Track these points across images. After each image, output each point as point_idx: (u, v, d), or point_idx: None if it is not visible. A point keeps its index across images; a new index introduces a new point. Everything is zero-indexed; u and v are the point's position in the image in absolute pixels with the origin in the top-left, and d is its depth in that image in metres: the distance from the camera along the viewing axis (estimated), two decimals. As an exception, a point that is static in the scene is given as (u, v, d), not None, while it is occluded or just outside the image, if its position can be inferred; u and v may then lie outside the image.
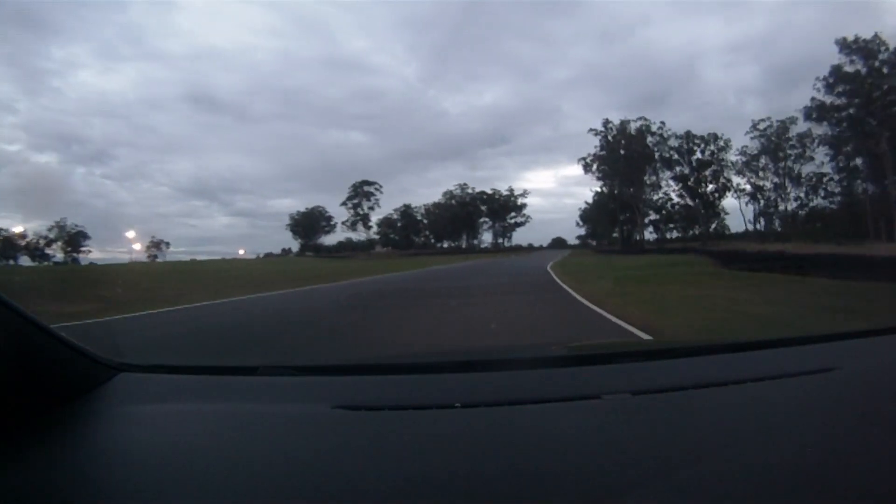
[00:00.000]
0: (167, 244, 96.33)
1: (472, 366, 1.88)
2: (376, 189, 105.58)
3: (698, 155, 77.13)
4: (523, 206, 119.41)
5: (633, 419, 1.27)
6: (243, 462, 1.13)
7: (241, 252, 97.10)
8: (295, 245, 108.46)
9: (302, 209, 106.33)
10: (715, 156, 76.75)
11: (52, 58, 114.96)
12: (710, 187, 78.59)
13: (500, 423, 1.29)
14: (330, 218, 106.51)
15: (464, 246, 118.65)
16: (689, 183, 78.35)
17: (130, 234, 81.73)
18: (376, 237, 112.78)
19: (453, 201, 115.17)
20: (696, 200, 79.91)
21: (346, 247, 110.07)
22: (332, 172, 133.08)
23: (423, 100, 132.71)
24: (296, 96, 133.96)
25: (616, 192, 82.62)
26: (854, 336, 1.86)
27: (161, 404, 1.50)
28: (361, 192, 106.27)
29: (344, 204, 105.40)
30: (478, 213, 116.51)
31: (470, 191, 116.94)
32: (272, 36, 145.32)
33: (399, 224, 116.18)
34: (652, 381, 1.49)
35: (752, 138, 71.71)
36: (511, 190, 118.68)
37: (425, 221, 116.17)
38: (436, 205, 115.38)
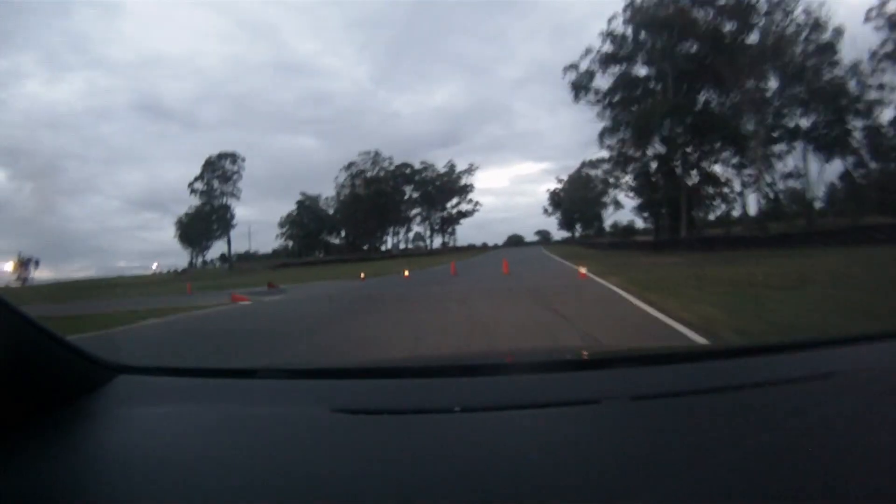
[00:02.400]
0: (36, 263, 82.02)
1: (471, 370, 1.86)
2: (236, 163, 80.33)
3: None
4: (469, 188, 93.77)
5: (632, 424, 1.27)
6: (242, 465, 1.14)
7: (154, 266, 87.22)
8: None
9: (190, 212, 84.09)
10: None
11: None
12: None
13: (499, 427, 1.28)
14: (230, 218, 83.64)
15: (387, 246, 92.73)
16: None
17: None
18: (281, 240, 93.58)
19: (360, 183, 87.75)
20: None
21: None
22: (283, 179, 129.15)
23: (375, 101, 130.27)
24: (245, 102, 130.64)
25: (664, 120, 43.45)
26: (853, 342, 1.83)
27: (160, 406, 1.51)
28: (216, 170, 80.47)
29: (194, 191, 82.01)
30: (399, 200, 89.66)
31: (386, 164, 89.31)
32: (221, 41, 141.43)
33: (303, 222, 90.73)
34: (652, 387, 1.48)
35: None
36: (452, 167, 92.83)
37: (338, 216, 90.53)
38: (342, 190, 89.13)
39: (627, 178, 53.57)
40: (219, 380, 1.86)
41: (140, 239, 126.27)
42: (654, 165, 48.88)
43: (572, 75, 48.17)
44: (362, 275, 31.07)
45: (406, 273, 30.17)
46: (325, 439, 1.26)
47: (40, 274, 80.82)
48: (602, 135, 48.43)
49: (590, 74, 47.67)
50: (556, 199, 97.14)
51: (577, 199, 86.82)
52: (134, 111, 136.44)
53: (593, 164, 74.46)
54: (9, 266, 77.72)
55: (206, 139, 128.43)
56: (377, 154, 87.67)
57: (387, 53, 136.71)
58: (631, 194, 56.60)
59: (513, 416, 1.34)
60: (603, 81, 47.71)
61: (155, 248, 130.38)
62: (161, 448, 1.25)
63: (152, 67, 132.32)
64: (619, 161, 50.90)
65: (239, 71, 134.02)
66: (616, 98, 47.42)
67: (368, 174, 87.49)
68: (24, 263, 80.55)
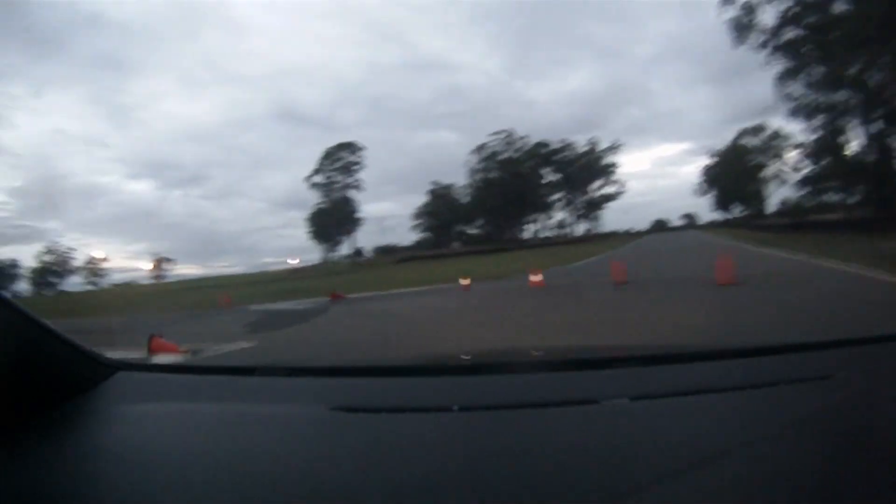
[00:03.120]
0: (171, 262, 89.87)
1: (470, 369, 1.89)
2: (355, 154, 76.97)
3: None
4: (613, 168, 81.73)
5: (631, 425, 1.27)
6: (240, 463, 1.14)
7: (294, 261, 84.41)
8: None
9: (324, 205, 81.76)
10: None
11: (134, 93, 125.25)
12: None
13: (497, 426, 1.29)
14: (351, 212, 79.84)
15: (528, 235, 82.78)
16: None
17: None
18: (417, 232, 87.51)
19: (494, 165, 78.43)
20: None
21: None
22: (424, 174, 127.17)
23: (509, 91, 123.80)
24: (381, 102, 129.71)
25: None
26: (852, 343, 1.82)
27: (159, 404, 1.51)
28: (335, 162, 77.36)
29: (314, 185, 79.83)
30: (537, 183, 79.50)
31: (520, 145, 78.86)
32: (351, 47, 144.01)
33: (436, 212, 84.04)
34: (651, 387, 1.48)
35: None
36: (593, 145, 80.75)
37: (473, 204, 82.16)
38: (474, 175, 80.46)
39: (804, 139, 42.83)
40: (218, 377, 1.88)
41: (284, 236, 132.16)
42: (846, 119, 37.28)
43: (730, 11, 37.35)
44: (464, 281, 21.81)
45: (537, 278, 18.82)
46: (324, 437, 1.27)
47: (189, 270, 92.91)
48: (781, 79, 37.84)
49: (749, 8, 37.07)
50: (711, 176, 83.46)
51: (733, 175, 73.64)
52: (273, 119, 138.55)
53: (753, 131, 67.55)
54: (149, 265, 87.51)
55: (346, 140, 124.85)
56: (510, 133, 78.67)
57: (517, 43, 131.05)
58: (805, 164, 45.18)
59: (511, 415, 1.34)
60: (768, 16, 36.86)
61: (300, 244, 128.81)
62: (160, 445, 1.25)
63: (286, 77, 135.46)
64: (807, 112, 38.97)
65: (372, 73, 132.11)
66: (792, 31, 36.34)
67: (502, 156, 78.86)
68: (160, 263, 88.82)
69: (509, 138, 78.49)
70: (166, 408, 1.50)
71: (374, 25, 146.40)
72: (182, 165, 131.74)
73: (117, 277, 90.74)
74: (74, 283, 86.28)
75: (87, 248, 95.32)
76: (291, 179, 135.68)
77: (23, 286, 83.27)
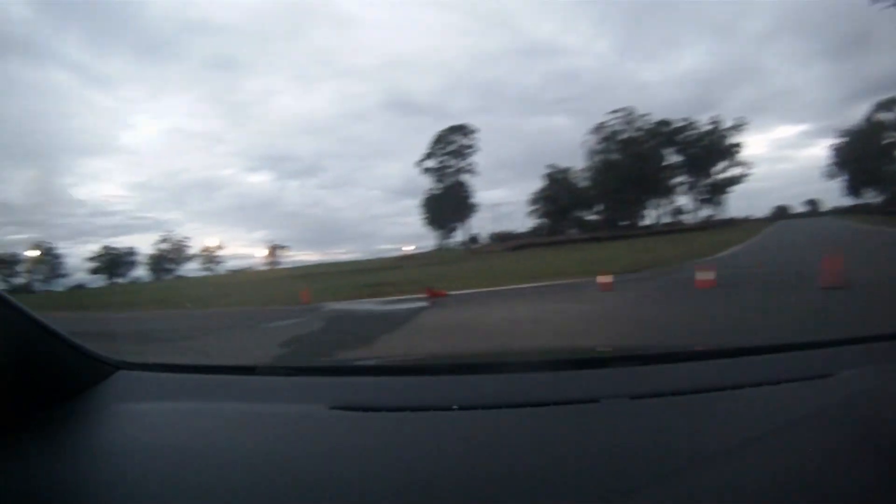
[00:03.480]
0: (284, 249, 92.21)
1: (470, 368, 1.90)
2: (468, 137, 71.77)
3: None
4: (737, 148, 71.20)
5: (631, 423, 1.27)
6: (240, 462, 1.15)
7: (409, 248, 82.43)
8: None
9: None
10: None
11: (248, 90, 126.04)
12: None
13: (497, 425, 1.30)
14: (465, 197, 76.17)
15: (648, 221, 75.97)
16: None
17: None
18: (534, 219, 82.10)
19: (614, 146, 71.98)
20: None
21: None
22: (537, 160, 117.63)
23: (620, 73, 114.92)
24: (492, 88, 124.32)
25: None
26: (850, 343, 1.83)
27: (159, 403, 1.53)
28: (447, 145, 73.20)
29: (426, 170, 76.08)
30: (658, 164, 71.76)
31: (641, 123, 71.05)
32: (459, 34, 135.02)
33: (553, 197, 78.49)
34: (650, 386, 1.48)
35: None
36: (716, 124, 70.68)
37: (591, 188, 76.15)
38: (593, 157, 73.63)
39: None
40: (218, 376, 1.88)
41: (399, 224, 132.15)
42: None
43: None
44: (604, 279, 14.92)
45: (707, 275, 13.02)
46: (324, 436, 1.28)
47: (306, 256, 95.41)
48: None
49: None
50: (841, 157, 71.93)
51: (867, 156, 63.31)
52: (385, 109, 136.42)
53: (889, 104, 59.99)
54: (264, 252, 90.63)
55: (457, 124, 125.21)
56: (630, 111, 71.09)
57: (625, 23, 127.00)
58: None
59: (511, 414, 1.35)
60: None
61: (414, 231, 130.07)
62: (161, 444, 1.25)
63: (396, 68, 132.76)
64: None
65: (480, 60, 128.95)
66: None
67: (623, 136, 72.30)
68: (275, 250, 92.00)
69: (629, 117, 71.32)
70: (167, 407, 1.50)
71: (481, 12, 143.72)
72: (298, 157, 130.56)
73: (233, 264, 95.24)
74: (190, 269, 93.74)
75: (206, 236, 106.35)
76: (405, 168, 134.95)
77: (140, 272, 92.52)
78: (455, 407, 1.38)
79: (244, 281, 51.60)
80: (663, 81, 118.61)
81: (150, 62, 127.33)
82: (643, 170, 69.85)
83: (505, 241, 77.74)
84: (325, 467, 1.11)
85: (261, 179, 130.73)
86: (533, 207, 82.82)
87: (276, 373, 1.84)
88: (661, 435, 1.19)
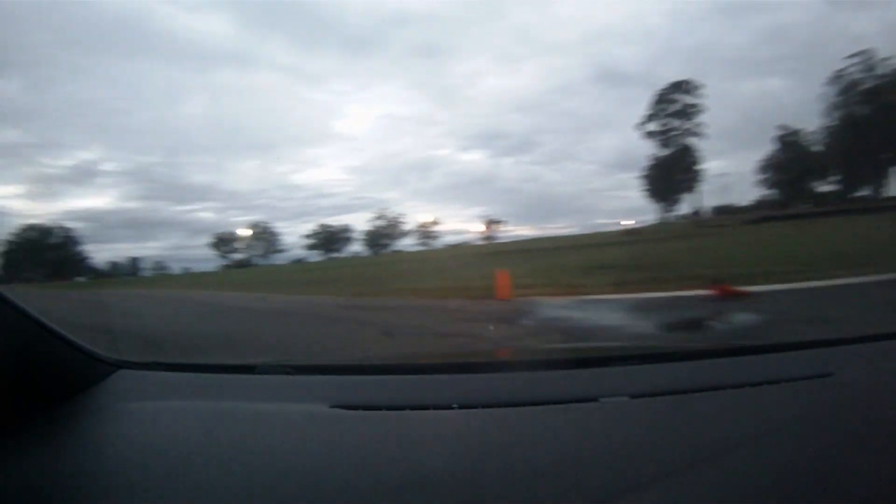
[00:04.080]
0: (499, 224, 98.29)
1: (470, 367, 1.91)
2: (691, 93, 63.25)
3: None
4: None
5: (630, 422, 1.28)
6: (241, 460, 1.15)
7: (628, 223, 78.35)
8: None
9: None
10: None
11: (455, 74, 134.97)
12: None
13: (497, 424, 1.30)
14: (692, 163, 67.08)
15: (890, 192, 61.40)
16: None
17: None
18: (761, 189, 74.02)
19: (856, 98, 59.10)
20: None
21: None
22: (753, 125, 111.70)
23: (832, 26, 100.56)
24: (699, 52, 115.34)
25: None
26: (851, 342, 1.85)
27: (159, 401, 1.53)
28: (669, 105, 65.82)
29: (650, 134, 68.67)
30: None
31: (884, 70, 57.52)
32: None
33: (785, 165, 68.24)
34: (650, 385, 1.49)
35: None
36: None
37: (827, 153, 63.81)
38: (831, 114, 61.82)
39: None
40: (218, 375, 1.89)
41: (616, 197, 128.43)
42: None
43: None
44: None
45: None
46: (325, 435, 1.28)
47: (524, 231, 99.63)
48: None
49: None
50: None
51: None
52: (593, 82, 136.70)
53: None
54: (481, 228, 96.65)
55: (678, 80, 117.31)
56: (870, 55, 58.78)
57: None
58: None
59: (511, 413, 1.35)
60: None
61: (631, 204, 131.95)
62: (161, 443, 1.26)
63: (600, 39, 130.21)
64: None
65: (685, 23, 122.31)
66: None
67: (865, 85, 59.81)
68: (491, 225, 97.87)
69: (870, 61, 59.23)
70: (167, 406, 1.50)
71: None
72: (510, 134, 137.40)
73: (449, 239, 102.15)
74: (406, 245, 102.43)
75: (424, 213, 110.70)
76: (620, 141, 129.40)
77: (356, 247, 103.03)
78: (455, 406, 1.38)
79: (446, 258, 49.83)
80: (880, 31, 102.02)
81: (355, 56, 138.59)
82: (891, 126, 56.86)
83: (730, 215, 68.88)
84: (326, 466, 1.11)
85: (475, 157, 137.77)
86: (761, 176, 73.01)
87: (276, 371, 1.83)
88: (660, 434, 1.20)
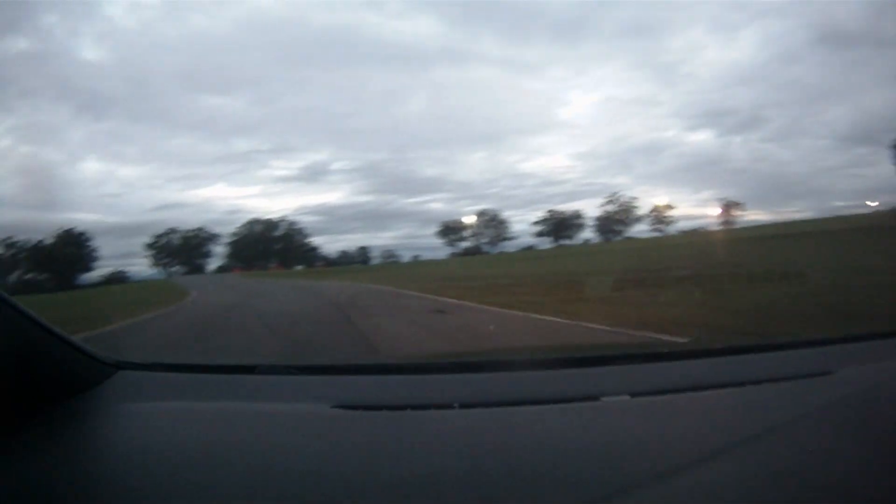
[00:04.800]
0: (738, 207, 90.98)
1: (470, 367, 1.90)
2: None
3: None
4: None
5: (631, 421, 1.28)
6: (242, 461, 1.15)
7: (874, 204, 70.71)
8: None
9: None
10: None
11: (672, 50, 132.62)
12: None
13: (498, 424, 1.30)
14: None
15: None
16: None
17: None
18: None
19: None
20: None
21: None
22: None
23: None
24: None
25: None
26: (851, 340, 1.85)
27: (160, 402, 1.53)
28: None
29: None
30: None
31: None
32: None
33: None
34: (651, 384, 1.49)
35: None
36: None
37: None
38: None
39: None
40: (219, 376, 1.88)
41: (853, 176, 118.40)
42: None
43: None
44: None
45: None
46: (326, 435, 1.28)
47: (757, 216, 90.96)
48: None
49: None
50: None
51: None
52: (815, 45, 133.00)
53: None
54: (717, 211, 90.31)
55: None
56: None
57: None
58: None
59: (512, 412, 1.35)
60: None
61: (874, 184, 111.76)
62: (161, 444, 1.25)
63: None
64: None
65: None
66: None
67: None
68: (729, 208, 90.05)
69: None
70: (167, 406, 1.50)
71: None
72: (736, 110, 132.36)
73: (684, 225, 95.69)
74: (639, 231, 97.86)
75: (653, 198, 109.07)
76: (851, 110, 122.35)
77: (587, 234, 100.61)
78: (456, 405, 1.39)
79: (689, 246, 43.15)
80: None
81: (567, 42, 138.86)
82: None
83: None
84: (327, 466, 1.11)
85: (702, 137, 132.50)
86: None
87: (277, 372, 1.83)
88: (661, 433, 1.19)
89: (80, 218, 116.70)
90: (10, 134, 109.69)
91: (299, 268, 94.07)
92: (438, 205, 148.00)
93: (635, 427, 1.24)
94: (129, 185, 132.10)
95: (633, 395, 1.41)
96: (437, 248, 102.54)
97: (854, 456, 1.04)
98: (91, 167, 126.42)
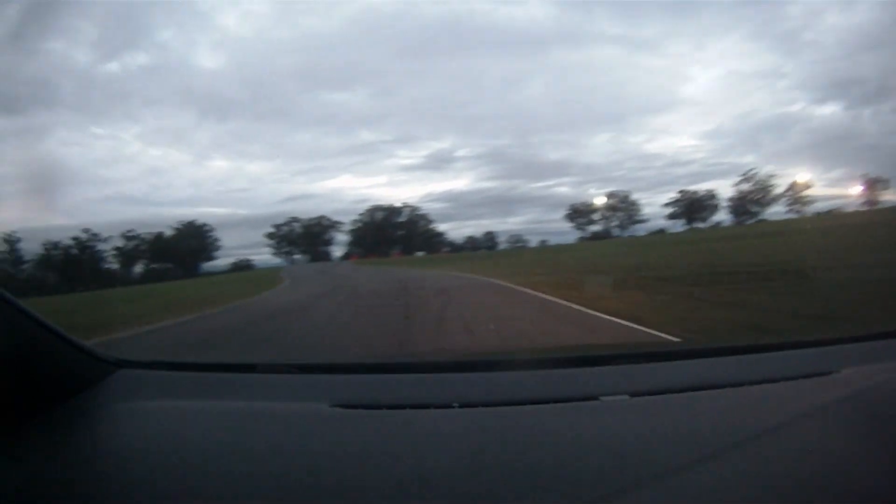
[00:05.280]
0: (883, 182, 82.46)
1: (470, 366, 1.91)
2: None
3: None
4: None
5: (631, 421, 1.28)
6: (242, 459, 1.15)
7: None
8: None
9: None
10: None
11: (792, 17, 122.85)
12: None
13: (498, 423, 1.31)
14: None
15: None
16: None
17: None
18: None
19: None
20: None
21: None
22: None
23: None
24: None
25: None
26: (850, 341, 1.85)
27: (160, 401, 1.53)
28: None
29: None
30: None
31: None
32: None
33: None
34: (650, 384, 1.49)
35: None
36: None
37: None
38: None
39: None
40: (219, 374, 1.88)
41: None
42: None
43: None
44: None
45: None
46: (325, 434, 1.28)
47: (891, 196, 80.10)
48: None
49: None
50: None
51: None
52: None
53: None
54: (857, 190, 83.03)
55: None
56: None
57: None
58: None
59: (511, 412, 1.36)
60: None
61: None
62: (161, 443, 1.26)
63: None
64: None
65: None
66: None
67: None
68: (871, 186, 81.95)
69: None
70: (168, 405, 1.50)
71: None
72: (864, 79, 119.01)
73: (820, 206, 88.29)
74: (774, 213, 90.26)
75: (794, 175, 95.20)
76: None
77: (721, 216, 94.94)
78: (455, 405, 1.39)
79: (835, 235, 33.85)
80: None
81: (683, 15, 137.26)
82: None
83: None
84: (327, 465, 1.11)
85: (830, 111, 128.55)
86: None
87: (277, 370, 1.84)
88: (661, 433, 1.19)
89: (211, 212, 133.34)
90: (137, 140, 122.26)
91: (420, 254, 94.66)
92: (564, 188, 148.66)
93: (635, 427, 1.23)
94: (256, 179, 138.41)
95: (632, 395, 1.41)
96: (564, 233, 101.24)
97: (855, 456, 1.04)
98: (219, 165, 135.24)
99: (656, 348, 2.15)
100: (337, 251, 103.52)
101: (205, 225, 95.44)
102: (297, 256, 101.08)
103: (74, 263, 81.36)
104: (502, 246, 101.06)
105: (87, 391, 1.50)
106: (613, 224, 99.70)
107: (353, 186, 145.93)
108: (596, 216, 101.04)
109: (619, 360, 1.79)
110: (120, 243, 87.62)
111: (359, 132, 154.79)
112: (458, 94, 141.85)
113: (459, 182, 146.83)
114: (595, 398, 1.39)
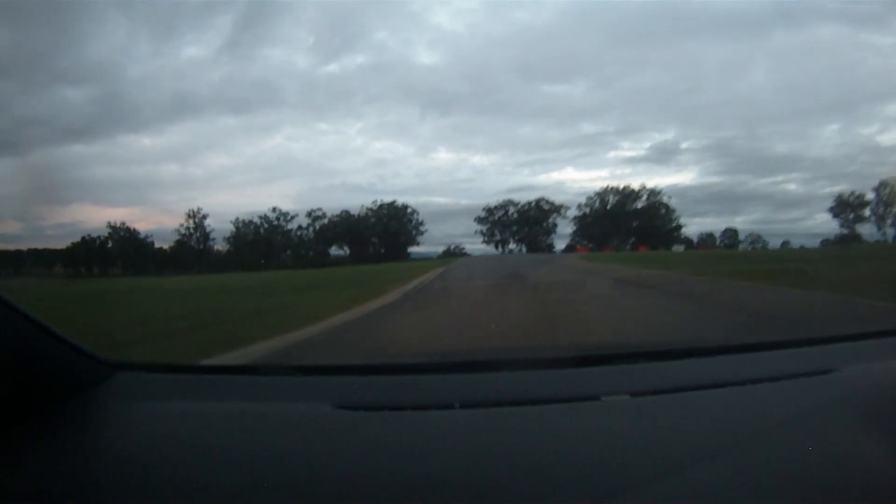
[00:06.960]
0: None
1: (471, 367, 1.90)
2: None
3: None
4: None
5: (631, 421, 1.28)
6: (243, 461, 1.15)
7: None
8: None
9: None
10: None
11: None
12: None
13: (499, 423, 1.31)
14: None
15: None
16: None
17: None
18: None
19: None
20: None
21: None
22: None
23: None
24: None
25: None
26: (852, 338, 1.86)
27: (160, 403, 1.53)
28: None
29: None
30: None
31: None
32: None
33: None
34: (651, 383, 1.50)
35: None
36: None
37: None
38: None
39: None
40: (220, 376, 1.90)
41: None
42: None
43: None
44: None
45: None
46: (327, 435, 1.28)
47: None
48: None
49: None
50: None
51: None
52: None
53: None
54: None
55: None
56: None
57: None
58: None
59: (513, 412, 1.36)
60: None
61: None
62: (162, 445, 1.26)
63: None
64: None
65: None
66: None
67: None
68: None
69: None
70: (168, 407, 1.50)
71: None
72: None
73: None
74: None
75: None
76: None
77: None
78: (457, 405, 1.39)
79: None
80: None
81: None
82: None
83: None
84: (329, 466, 1.11)
85: None
86: None
87: (278, 372, 1.85)
88: (662, 432, 1.20)
89: (434, 201, 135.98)
90: (361, 135, 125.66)
91: (679, 248, 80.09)
92: (793, 185, 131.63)
93: (636, 427, 1.23)
94: (481, 171, 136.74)
95: (633, 394, 1.41)
96: (791, 234, 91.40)
97: (856, 454, 1.05)
98: (443, 157, 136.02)
99: (656, 348, 2.04)
100: (559, 242, 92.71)
101: (406, 207, 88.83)
102: (511, 246, 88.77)
103: (263, 242, 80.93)
104: (742, 246, 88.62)
105: (87, 393, 1.48)
106: (888, 223, 76.44)
107: (575, 179, 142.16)
108: (865, 212, 79.16)
109: (620, 360, 1.78)
110: (304, 222, 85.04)
111: (580, 124, 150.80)
112: (679, 83, 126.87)
113: (685, 176, 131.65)
114: (596, 398, 1.38)
